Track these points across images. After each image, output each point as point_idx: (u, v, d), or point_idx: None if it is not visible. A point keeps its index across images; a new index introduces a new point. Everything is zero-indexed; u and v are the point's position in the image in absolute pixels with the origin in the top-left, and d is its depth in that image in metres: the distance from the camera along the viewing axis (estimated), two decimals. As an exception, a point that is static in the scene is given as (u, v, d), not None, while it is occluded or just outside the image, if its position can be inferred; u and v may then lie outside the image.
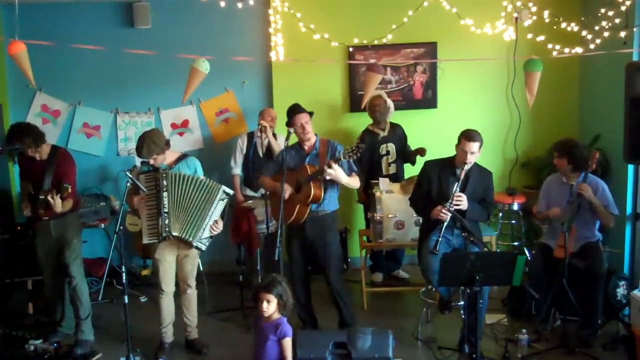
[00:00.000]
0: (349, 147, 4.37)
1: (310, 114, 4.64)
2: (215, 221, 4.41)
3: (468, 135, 4.37)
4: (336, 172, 4.36)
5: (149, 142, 4.30)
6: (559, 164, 4.80)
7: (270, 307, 3.51)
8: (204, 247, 4.45)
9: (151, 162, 4.37)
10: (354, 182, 4.59)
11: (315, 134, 4.69)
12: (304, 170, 4.52)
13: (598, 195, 4.64)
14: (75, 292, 4.64)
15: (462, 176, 4.36)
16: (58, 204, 4.38)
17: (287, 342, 3.55)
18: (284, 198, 4.36)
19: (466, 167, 4.38)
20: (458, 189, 4.34)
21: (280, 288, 3.53)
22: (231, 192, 4.48)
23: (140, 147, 4.32)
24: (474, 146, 4.35)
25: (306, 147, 4.65)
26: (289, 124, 4.61)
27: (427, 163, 4.74)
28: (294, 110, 4.61)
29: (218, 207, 4.39)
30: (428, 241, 4.39)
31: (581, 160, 4.69)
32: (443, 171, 4.52)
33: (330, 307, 4.82)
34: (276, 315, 3.56)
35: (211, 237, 4.46)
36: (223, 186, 4.41)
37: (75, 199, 4.69)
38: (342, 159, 4.35)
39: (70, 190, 4.39)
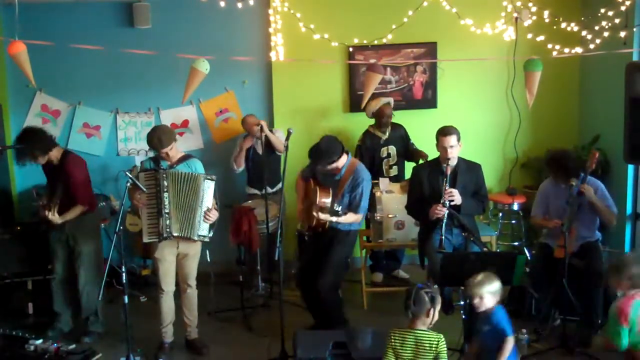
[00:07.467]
0: None
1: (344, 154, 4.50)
2: (209, 209, 4.38)
3: (443, 131, 4.56)
4: None
5: (162, 133, 4.34)
6: (555, 179, 4.73)
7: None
8: (206, 238, 4.45)
9: (165, 153, 4.36)
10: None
11: (348, 153, 4.54)
12: (315, 195, 4.47)
13: (598, 195, 4.64)
14: (80, 294, 4.70)
15: (448, 172, 4.47)
16: (56, 219, 4.44)
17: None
18: (284, 201, 4.39)
19: (451, 163, 4.49)
20: (447, 184, 4.43)
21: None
22: (213, 177, 4.43)
23: (159, 138, 4.31)
24: (450, 140, 4.49)
25: None
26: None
27: (415, 167, 4.95)
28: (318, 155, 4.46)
29: (206, 196, 4.37)
30: (431, 241, 4.43)
31: (574, 168, 4.64)
32: (432, 171, 4.66)
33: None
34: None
35: (212, 226, 4.44)
36: (203, 174, 4.41)
37: (89, 200, 4.68)
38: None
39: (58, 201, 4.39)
